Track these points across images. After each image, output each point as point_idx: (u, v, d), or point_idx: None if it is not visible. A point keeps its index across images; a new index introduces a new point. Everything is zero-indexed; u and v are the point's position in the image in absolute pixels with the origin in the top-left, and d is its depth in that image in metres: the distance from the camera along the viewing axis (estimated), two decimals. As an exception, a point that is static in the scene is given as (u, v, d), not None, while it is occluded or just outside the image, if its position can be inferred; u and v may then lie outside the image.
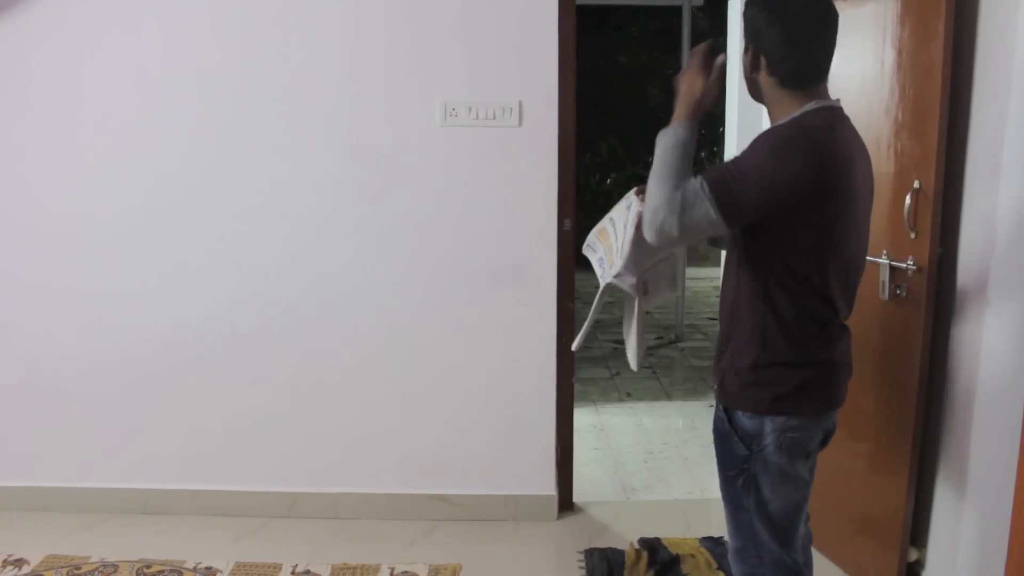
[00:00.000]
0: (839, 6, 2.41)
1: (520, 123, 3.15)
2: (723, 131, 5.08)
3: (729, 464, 1.95)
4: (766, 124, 1.96)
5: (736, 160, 1.75)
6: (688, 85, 1.86)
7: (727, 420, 1.92)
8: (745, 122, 4.46)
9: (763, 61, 1.81)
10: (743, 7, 1.87)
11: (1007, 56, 2.34)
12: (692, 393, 5.31)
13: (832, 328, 1.88)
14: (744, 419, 1.89)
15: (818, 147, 1.73)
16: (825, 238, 1.80)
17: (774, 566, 1.95)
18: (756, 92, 1.90)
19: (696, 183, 1.72)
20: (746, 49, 1.84)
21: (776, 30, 1.79)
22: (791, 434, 1.87)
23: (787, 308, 1.82)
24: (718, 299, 2.07)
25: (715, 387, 1.99)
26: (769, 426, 1.86)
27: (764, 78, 1.83)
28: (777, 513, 1.92)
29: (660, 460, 4.06)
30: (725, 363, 1.93)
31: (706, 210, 1.70)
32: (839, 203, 1.78)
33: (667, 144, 1.80)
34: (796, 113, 1.80)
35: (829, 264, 1.82)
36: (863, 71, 2.69)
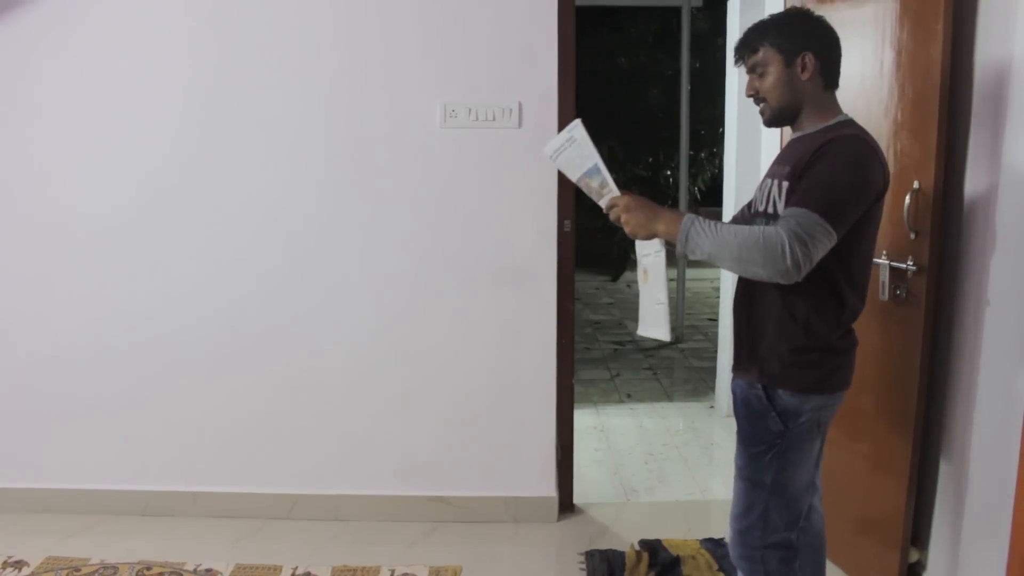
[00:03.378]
0: (837, 7, 2.42)
1: (520, 124, 3.15)
2: (723, 131, 5.08)
3: (759, 440, 2.06)
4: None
5: (818, 180, 1.88)
6: (643, 212, 2.00)
7: (765, 397, 2.04)
8: (745, 121, 4.46)
9: (817, 64, 2.01)
10: (783, 18, 2.08)
11: (1006, 55, 2.34)
12: (692, 394, 5.31)
13: (858, 315, 2.07)
14: (786, 396, 2.02)
15: (879, 156, 1.96)
16: (868, 236, 2.02)
17: (776, 548, 2.09)
18: (793, 98, 2.04)
19: (800, 214, 1.83)
20: (792, 57, 2.01)
21: (827, 35, 2.04)
22: (825, 412, 2.05)
23: (830, 298, 1.99)
24: (732, 289, 2.20)
25: (748, 368, 2.09)
26: (809, 404, 2.02)
27: (813, 80, 2.02)
28: (795, 488, 2.07)
29: (661, 461, 4.06)
30: (764, 347, 2.05)
31: (824, 230, 1.83)
32: (880, 204, 2.02)
33: (710, 236, 1.89)
34: (833, 122, 2.03)
35: (868, 257, 2.04)
36: (862, 71, 2.70)
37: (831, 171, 1.89)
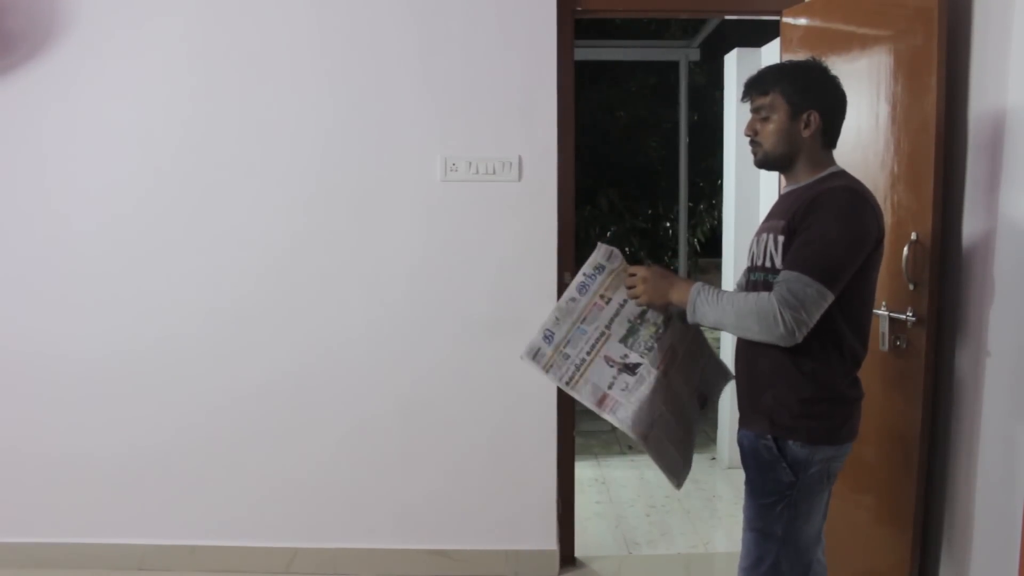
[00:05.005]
0: (832, 61, 2.46)
1: (520, 177, 3.18)
2: (721, 183, 5.13)
3: (769, 492, 2.05)
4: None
5: (810, 240, 1.93)
6: (659, 283, 2.11)
7: (776, 448, 2.03)
8: (743, 172, 4.51)
9: (820, 125, 2.04)
10: (800, 70, 2.09)
11: (1000, 106, 2.37)
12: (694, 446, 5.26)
13: (861, 360, 2.08)
14: (796, 447, 2.02)
15: (871, 205, 1.99)
16: (869, 282, 2.04)
17: None
18: (788, 149, 2.07)
19: (792, 279, 1.90)
20: (799, 111, 2.04)
21: (837, 97, 2.08)
22: (834, 463, 2.06)
23: (833, 346, 2.00)
24: (734, 339, 2.19)
25: (756, 418, 2.09)
26: (819, 455, 2.02)
27: (812, 137, 2.05)
28: (806, 539, 2.06)
29: (663, 514, 4.02)
30: (769, 399, 2.05)
31: (819, 292, 1.88)
32: (879, 250, 2.04)
33: (713, 307, 2.00)
34: (824, 174, 2.06)
35: (869, 302, 2.06)
36: (859, 125, 2.73)
37: (822, 229, 1.92)
